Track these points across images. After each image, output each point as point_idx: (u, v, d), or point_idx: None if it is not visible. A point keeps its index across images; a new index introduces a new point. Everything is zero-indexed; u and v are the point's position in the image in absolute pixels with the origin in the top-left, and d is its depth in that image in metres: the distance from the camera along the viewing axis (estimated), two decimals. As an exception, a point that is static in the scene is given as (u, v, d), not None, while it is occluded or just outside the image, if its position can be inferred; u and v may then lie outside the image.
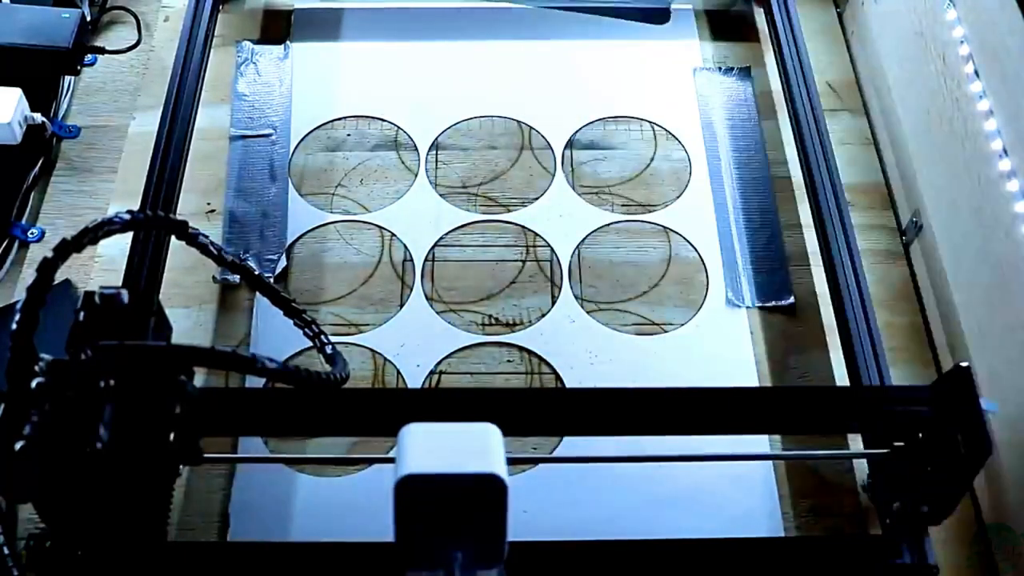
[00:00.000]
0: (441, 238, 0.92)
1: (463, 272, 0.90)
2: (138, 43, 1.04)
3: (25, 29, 0.95)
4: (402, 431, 0.45)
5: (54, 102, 0.98)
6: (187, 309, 0.86)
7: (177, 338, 0.77)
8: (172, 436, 0.55)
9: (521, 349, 0.85)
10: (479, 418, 0.46)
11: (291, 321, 0.63)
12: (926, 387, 0.63)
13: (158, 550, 0.65)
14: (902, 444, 0.67)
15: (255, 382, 0.76)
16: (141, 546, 0.60)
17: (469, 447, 0.44)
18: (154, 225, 0.67)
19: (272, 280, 0.87)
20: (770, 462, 0.79)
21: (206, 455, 0.59)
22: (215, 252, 0.60)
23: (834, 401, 0.65)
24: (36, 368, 0.50)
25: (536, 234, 0.93)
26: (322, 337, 0.62)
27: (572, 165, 0.98)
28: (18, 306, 0.50)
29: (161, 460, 0.56)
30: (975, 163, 0.80)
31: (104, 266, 0.87)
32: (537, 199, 0.95)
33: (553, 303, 0.88)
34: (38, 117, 0.93)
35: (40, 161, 0.94)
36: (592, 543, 0.69)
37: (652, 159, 0.99)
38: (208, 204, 0.93)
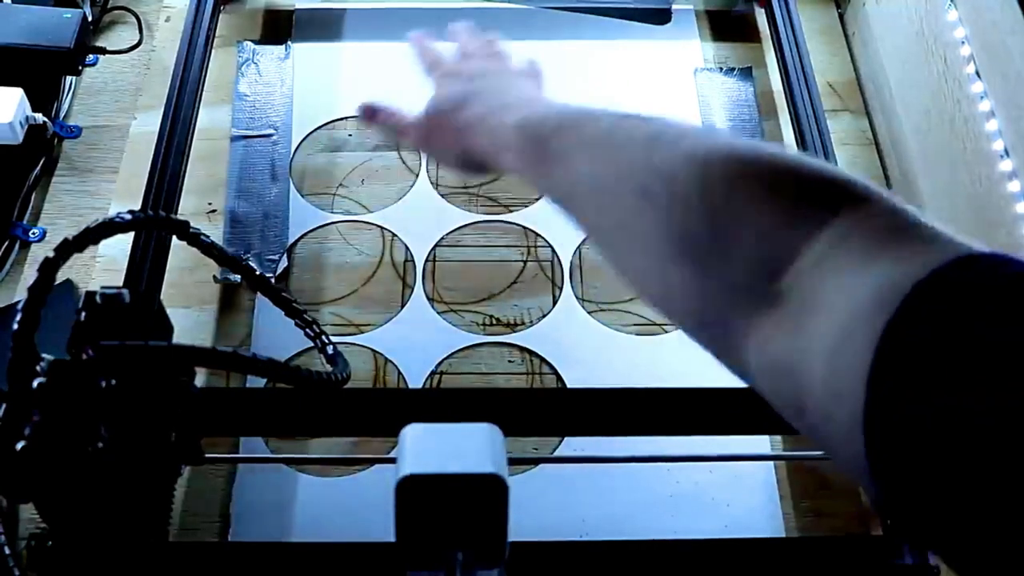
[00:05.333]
0: (442, 238, 0.92)
1: (464, 272, 0.90)
2: (139, 43, 1.04)
3: (26, 29, 0.95)
4: (402, 431, 0.45)
5: (55, 102, 0.99)
6: (187, 309, 0.86)
7: (178, 338, 0.77)
8: (173, 436, 0.55)
9: (522, 349, 0.85)
10: (479, 418, 0.46)
11: (292, 321, 0.63)
12: (927, 387, 0.63)
13: (159, 550, 0.65)
14: (903, 444, 0.67)
15: (256, 382, 0.76)
16: (142, 546, 0.60)
17: (469, 447, 0.44)
18: (155, 225, 0.67)
19: (273, 280, 0.87)
20: (771, 462, 0.79)
21: (207, 455, 0.59)
22: (216, 252, 0.60)
23: (835, 401, 0.65)
24: (37, 368, 0.50)
25: (537, 234, 0.93)
26: (323, 337, 0.62)
27: (573, 165, 0.98)
28: (19, 306, 0.50)
29: (162, 460, 0.56)
30: (975, 163, 0.80)
31: (105, 266, 0.87)
32: (538, 199, 0.95)
33: (554, 303, 0.88)
34: (39, 117, 0.93)
35: (41, 161, 0.94)
36: (592, 543, 0.69)
37: (653, 159, 0.99)
38: (209, 204, 0.93)
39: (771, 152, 0.38)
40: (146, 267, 0.79)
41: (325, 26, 1.09)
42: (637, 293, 0.48)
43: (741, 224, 0.36)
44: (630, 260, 0.43)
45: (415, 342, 0.85)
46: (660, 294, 0.43)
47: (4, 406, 0.50)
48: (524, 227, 0.93)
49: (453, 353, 0.85)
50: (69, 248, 0.52)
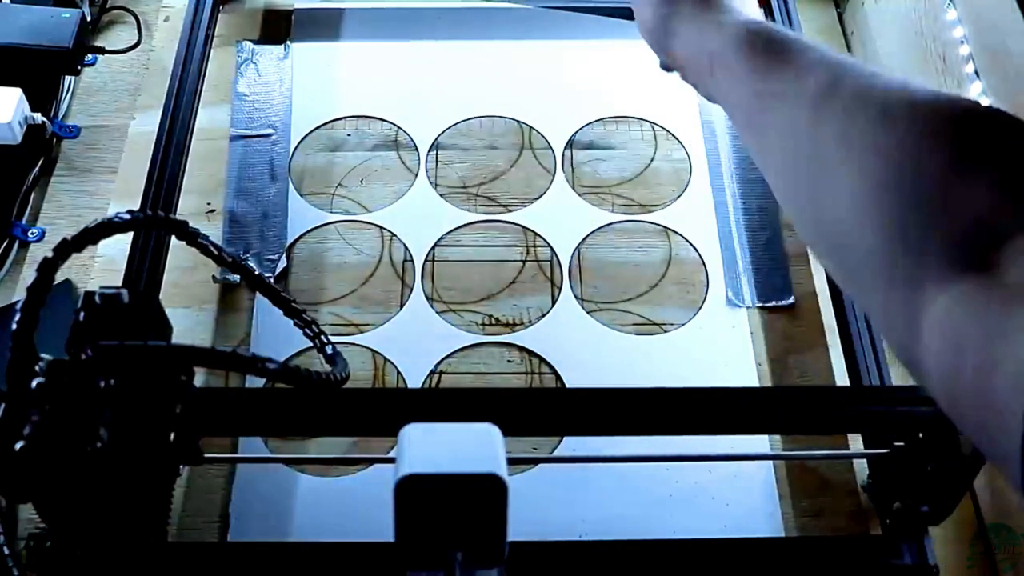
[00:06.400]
0: (441, 238, 0.92)
1: (463, 272, 0.90)
2: (138, 43, 1.04)
3: (25, 29, 0.95)
4: (402, 431, 0.45)
5: (54, 102, 0.98)
6: (187, 309, 0.86)
7: (177, 338, 0.77)
8: (172, 436, 0.55)
9: (521, 349, 0.85)
10: (479, 418, 0.46)
11: (291, 321, 0.63)
12: (926, 387, 0.63)
13: (158, 550, 0.65)
14: (902, 444, 0.67)
15: (255, 382, 0.76)
16: (141, 546, 0.60)
17: (469, 447, 0.44)
18: (154, 225, 0.67)
19: (272, 280, 0.87)
20: (770, 462, 0.79)
21: (206, 455, 0.59)
22: (215, 252, 0.60)
23: (834, 401, 0.65)
24: (36, 368, 0.50)
25: (536, 234, 0.93)
26: (322, 337, 0.62)
27: (572, 165, 0.98)
28: (18, 306, 0.50)
29: (161, 460, 0.56)
30: (975, 163, 0.80)
31: (104, 266, 0.87)
32: (537, 199, 0.95)
33: (553, 303, 0.88)
34: (38, 117, 0.93)
35: (40, 161, 0.94)
36: (592, 543, 0.69)
37: (652, 159, 0.99)
38: (208, 204, 0.93)
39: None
40: (145, 267, 0.79)
41: (324, 26, 1.09)
42: (813, 236, 0.45)
43: (973, 185, 0.35)
44: (820, 198, 0.41)
45: (414, 342, 0.85)
46: (847, 240, 0.40)
47: (3, 406, 0.50)
48: (523, 227, 0.93)
49: (452, 353, 0.85)
50: (68, 248, 0.52)
